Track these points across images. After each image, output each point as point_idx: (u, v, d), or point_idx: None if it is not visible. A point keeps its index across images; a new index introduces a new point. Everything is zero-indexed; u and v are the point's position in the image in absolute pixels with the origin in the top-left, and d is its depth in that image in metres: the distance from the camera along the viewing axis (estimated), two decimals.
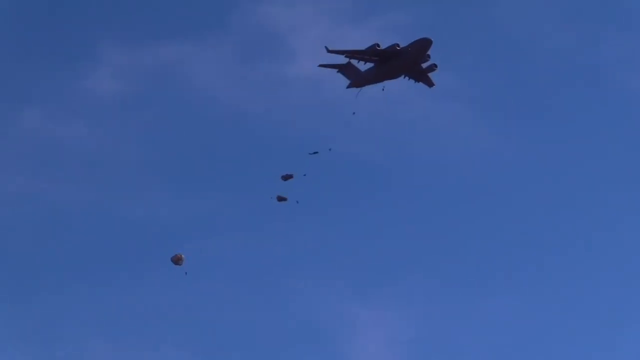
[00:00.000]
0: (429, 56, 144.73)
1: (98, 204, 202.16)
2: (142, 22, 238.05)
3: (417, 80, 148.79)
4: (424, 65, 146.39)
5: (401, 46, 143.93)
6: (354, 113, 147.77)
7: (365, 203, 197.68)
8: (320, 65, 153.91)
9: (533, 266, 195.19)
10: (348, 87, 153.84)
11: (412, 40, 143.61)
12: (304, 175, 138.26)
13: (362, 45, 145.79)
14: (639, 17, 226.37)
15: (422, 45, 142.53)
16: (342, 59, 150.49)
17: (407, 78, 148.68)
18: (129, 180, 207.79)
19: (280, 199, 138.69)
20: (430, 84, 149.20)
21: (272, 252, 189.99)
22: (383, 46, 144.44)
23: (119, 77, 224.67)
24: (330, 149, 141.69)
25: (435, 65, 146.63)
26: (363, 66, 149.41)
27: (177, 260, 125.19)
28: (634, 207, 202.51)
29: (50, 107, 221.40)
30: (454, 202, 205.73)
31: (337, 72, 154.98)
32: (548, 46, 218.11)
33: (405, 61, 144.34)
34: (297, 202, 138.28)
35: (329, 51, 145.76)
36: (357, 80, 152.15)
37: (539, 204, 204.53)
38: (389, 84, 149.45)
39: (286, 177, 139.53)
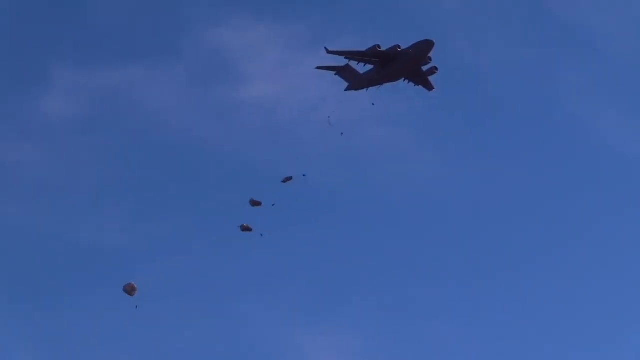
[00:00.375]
0: (430, 58, 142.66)
1: (49, 228, 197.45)
2: (95, 45, 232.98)
3: (416, 83, 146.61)
4: (425, 68, 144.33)
5: (402, 48, 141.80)
6: (342, 134, 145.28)
7: (313, 227, 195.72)
8: (318, 68, 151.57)
9: (483, 290, 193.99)
10: (346, 90, 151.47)
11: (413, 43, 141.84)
12: (273, 205, 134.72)
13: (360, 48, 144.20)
14: (592, 43, 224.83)
15: (424, 47, 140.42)
16: (340, 61, 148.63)
17: (406, 81, 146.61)
18: (81, 204, 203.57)
19: (245, 228, 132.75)
20: (430, 87, 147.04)
21: (221, 276, 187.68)
22: (384, 47, 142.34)
23: (71, 100, 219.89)
24: (304, 175, 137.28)
25: (436, 68, 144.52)
26: (362, 68, 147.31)
27: (130, 290, 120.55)
28: (584, 234, 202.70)
29: (0, 130, 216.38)
30: (402, 227, 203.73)
31: (335, 74, 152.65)
32: (500, 72, 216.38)
33: (406, 63, 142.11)
34: (262, 235, 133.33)
35: (328, 52, 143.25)
36: (356, 82, 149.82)
37: (488, 230, 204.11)
38: (385, 87, 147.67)
39: (255, 203, 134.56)
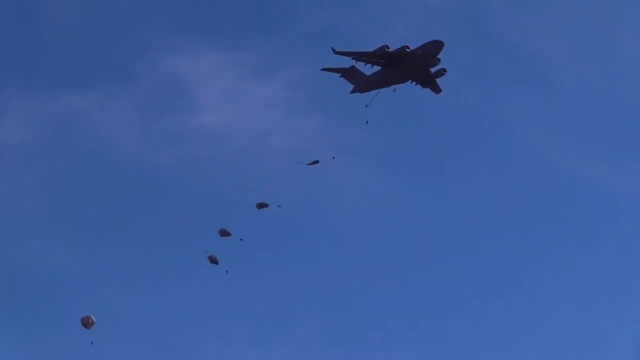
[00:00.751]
0: (439, 60, 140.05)
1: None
2: (49, 70, 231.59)
3: (424, 85, 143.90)
4: (433, 69, 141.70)
5: (411, 48, 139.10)
6: (333, 157, 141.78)
7: (262, 254, 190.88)
8: (323, 69, 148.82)
9: (429, 319, 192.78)
10: (352, 92, 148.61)
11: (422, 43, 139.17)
12: (241, 239, 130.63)
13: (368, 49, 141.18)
14: (543, 73, 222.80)
15: (433, 48, 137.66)
16: (345, 63, 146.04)
17: (414, 83, 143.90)
18: (32, 231, 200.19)
19: (213, 260, 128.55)
20: (437, 90, 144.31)
21: (169, 303, 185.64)
22: (392, 48, 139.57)
23: (24, 126, 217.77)
24: (279, 206, 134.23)
25: (445, 70, 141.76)
26: (370, 70, 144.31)
27: (87, 324, 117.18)
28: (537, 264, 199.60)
29: None
30: (354, 257, 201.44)
31: (340, 77, 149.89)
32: (452, 99, 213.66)
33: (414, 64, 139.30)
34: (227, 271, 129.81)
35: (335, 52, 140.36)
36: (362, 85, 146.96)
37: (442, 262, 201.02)
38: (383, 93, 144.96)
39: (224, 233, 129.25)
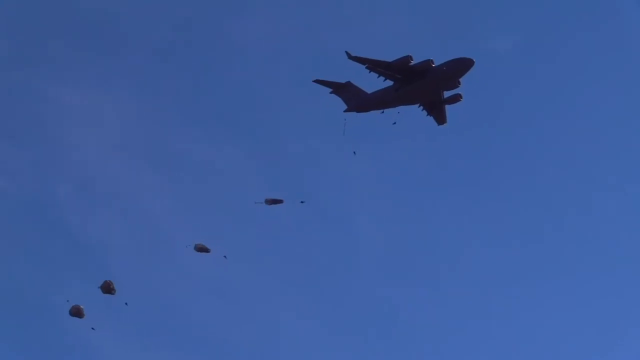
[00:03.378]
0: (459, 82, 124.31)
1: None
2: None
3: (429, 112, 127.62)
4: (448, 94, 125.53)
5: (435, 63, 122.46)
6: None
7: None
8: (316, 81, 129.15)
9: None
10: (346, 111, 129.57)
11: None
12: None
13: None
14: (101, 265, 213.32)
15: (461, 66, 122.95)
16: (340, 77, 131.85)
17: (420, 107, 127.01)
18: None
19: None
20: (441, 120, 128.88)
21: None
22: (415, 61, 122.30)
23: None
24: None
25: (460, 96, 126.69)
26: (369, 87, 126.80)
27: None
28: None
29: None
30: None
31: (331, 93, 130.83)
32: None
33: (435, 81, 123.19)
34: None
35: (350, 57, 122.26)
36: (359, 103, 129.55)
37: None
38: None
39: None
